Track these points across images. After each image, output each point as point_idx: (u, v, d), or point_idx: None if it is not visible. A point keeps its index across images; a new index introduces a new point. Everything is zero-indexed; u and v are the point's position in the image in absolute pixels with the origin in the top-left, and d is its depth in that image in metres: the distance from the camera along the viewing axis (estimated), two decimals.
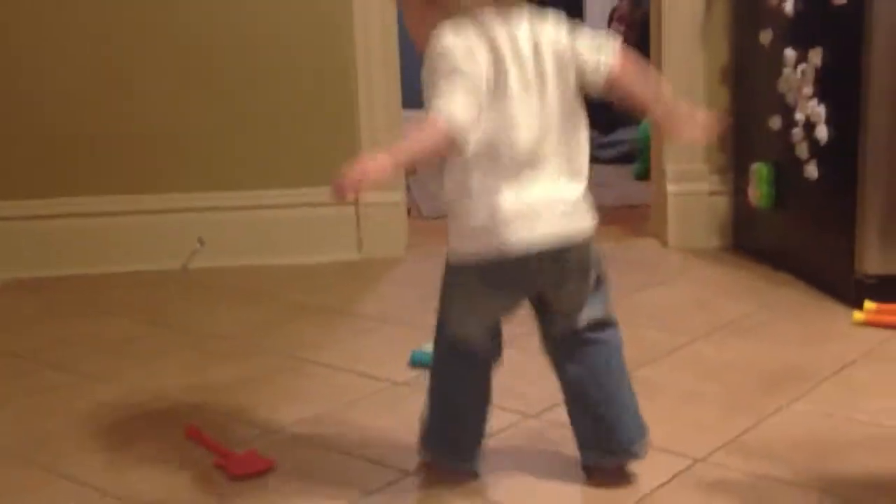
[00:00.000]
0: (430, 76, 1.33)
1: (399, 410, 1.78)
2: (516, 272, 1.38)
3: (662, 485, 1.46)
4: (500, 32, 1.35)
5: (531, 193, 1.35)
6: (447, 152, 1.32)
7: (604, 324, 1.47)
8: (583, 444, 1.49)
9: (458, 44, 1.32)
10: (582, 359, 1.46)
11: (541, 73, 1.37)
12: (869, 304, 2.17)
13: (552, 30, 1.40)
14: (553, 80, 1.38)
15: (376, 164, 1.27)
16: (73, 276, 2.84)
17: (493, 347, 1.49)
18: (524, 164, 1.35)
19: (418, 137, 1.30)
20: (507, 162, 1.34)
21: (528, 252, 1.35)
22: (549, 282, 1.41)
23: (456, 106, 1.28)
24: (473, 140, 1.31)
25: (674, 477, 1.48)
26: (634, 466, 1.49)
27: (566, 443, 1.59)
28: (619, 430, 1.46)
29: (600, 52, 1.40)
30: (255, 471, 1.54)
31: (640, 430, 1.47)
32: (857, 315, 2.16)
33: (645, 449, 1.47)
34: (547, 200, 1.36)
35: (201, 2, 2.85)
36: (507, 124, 1.34)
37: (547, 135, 1.36)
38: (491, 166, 1.34)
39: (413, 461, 1.54)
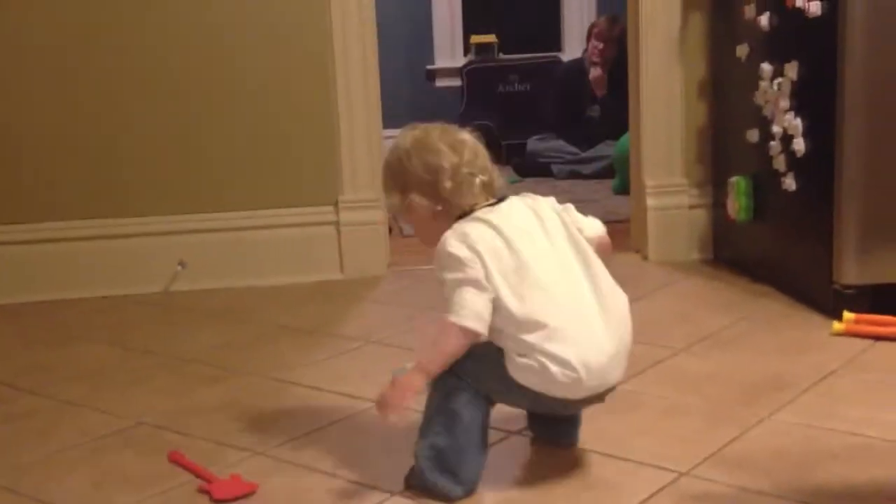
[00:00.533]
0: (441, 275, 1.48)
1: (383, 431, 1.77)
2: (558, 405, 1.50)
3: (647, 499, 1.47)
4: (499, 218, 1.50)
5: (569, 341, 1.44)
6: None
7: None
8: (532, 426, 1.70)
9: (462, 249, 1.46)
10: None
11: (550, 238, 1.51)
12: (847, 315, 2.19)
13: (543, 200, 1.57)
14: (563, 237, 1.52)
15: (413, 385, 1.44)
16: (53, 301, 2.83)
17: None
18: (569, 321, 1.45)
19: (442, 349, 1.45)
20: (553, 322, 1.44)
21: (575, 397, 1.48)
22: (590, 403, 1.54)
23: (466, 312, 1.42)
24: (517, 314, 1.43)
25: (658, 491, 1.49)
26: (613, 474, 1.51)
27: (552, 457, 1.60)
28: (569, 427, 1.67)
29: (591, 219, 1.61)
30: (239, 495, 1.53)
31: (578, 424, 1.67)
32: (836, 325, 2.18)
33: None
34: (596, 352, 1.46)
35: (182, 28, 2.85)
36: (541, 291, 1.45)
37: (578, 288, 1.49)
38: (540, 328, 1.43)
39: (398, 482, 1.54)
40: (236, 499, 1.52)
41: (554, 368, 1.42)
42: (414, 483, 1.53)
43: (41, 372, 2.21)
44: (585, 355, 1.44)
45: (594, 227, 1.60)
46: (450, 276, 1.46)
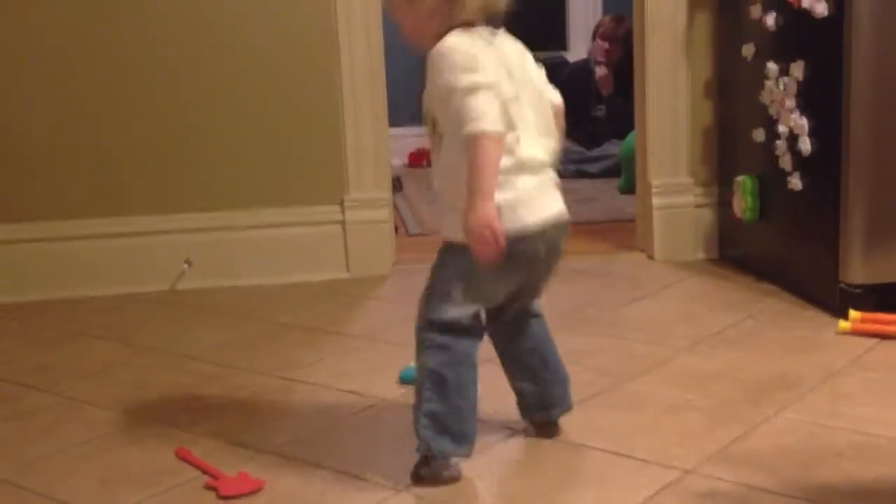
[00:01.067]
0: (448, 77, 1.43)
1: (389, 428, 1.78)
2: (529, 251, 1.50)
3: (652, 496, 1.47)
4: (496, 42, 1.52)
5: (536, 178, 1.50)
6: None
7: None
8: (529, 407, 1.68)
9: (472, 50, 1.45)
10: (530, 333, 1.65)
11: (524, 80, 1.53)
12: (853, 314, 2.19)
13: (524, 49, 1.58)
14: (532, 87, 1.55)
15: (488, 214, 1.40)
16: (59, 299, 2.83)
17: (481, 327, 1.57)
18: (527, 155, 1.49)
19: (479, 165, 1.41)
20: (515, 154, 1.47)
21: (542, 228, 1.50)
22: (551, 256, 1.54)
23: (486, 117, 1.40)
24: None
25: (663, 488, 1.49)
26: (619, 471, 1.52)
27: (556, 455, 1.60)
28: (559, 389, 1.68)
29: (552, 89, 1.62)
30: (246, 491, 1.53)
31: (567, 384, 1.69)
32: (842, 324, 2.18)
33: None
34: (547, 182, 1.53)
35: (187, 26, 2.85)
36: (512, 123, 1.47)
37: (537, 128, 1.52)
38: (516, 162, 1.47)
39: (405, 479, 1.55)
40: (243, 495, 1.53)
41: (514, 195, 1.46)
42: (421, 462, 1.54)
43: (47, 369, 2.22)
44: (539, 180, 1.51)
45: (556, 95, 1.62)
46: (462, 78, 1.42)
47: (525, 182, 1.48)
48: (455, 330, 1.52)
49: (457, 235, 1.47)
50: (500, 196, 1.44)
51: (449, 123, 1.47)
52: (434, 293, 1.53)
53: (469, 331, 1.53)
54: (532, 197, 1.49)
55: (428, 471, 1.54)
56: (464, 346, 1.53)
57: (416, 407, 1.53)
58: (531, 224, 1.48)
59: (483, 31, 1.50)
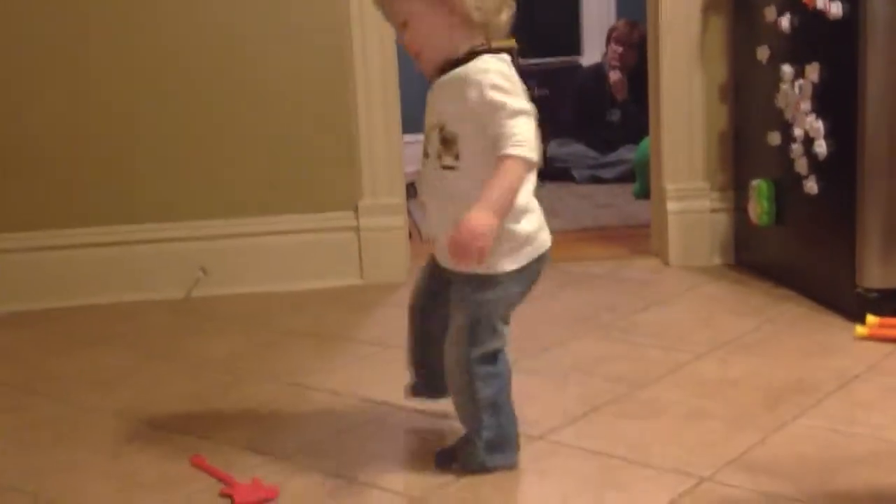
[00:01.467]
0: (492, 97, 1.42)
1: (402, 435, 1.78)
2: (541, 266, 1.55)
3: None
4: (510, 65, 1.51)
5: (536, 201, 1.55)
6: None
7: None
8: (437, 383, 1.66)
9: (512, 76, 1.46)
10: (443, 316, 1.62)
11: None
12: (871, 319, 2.17)
13: None
14: None
15: (483, 223, 1.40)
16: (72, 307, 2.84)
17: None
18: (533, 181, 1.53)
19: (508, 184, 1.42)
20: (532, 180, 1.51)
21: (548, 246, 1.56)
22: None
23: (529, 144, 1.42)
24: None
25: (680, 496, 1.48)
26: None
27: (572, 463, 1.59)
28: None
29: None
30: (261, 499, 1.53)
31: None
32: (860, 329, 2.16)
33: None
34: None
35: (200, 31, 2.86)
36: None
37: None
38: (527, 186, 1.50)
39: (418, 486, 1.54)
40: (258, 503, 1.52)
41: (536, 218, 1.53)
42: (468, 469, 1.57)
43: (61, 378, 2.22)
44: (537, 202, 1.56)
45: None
46: (509, 99, 1.42)
47: (536, 205, 1.54)
48: (499, 354, 1.56)
49: (495, 267, 1.49)
50: (528, 224, 1.51)
51: (478, 143, 1.46)
52: (479, 328, 1.52)
53: (504, 348, 1.57)
54: (542, 220, 1.55)
55: (458, 465, 1.59)
56: (505, 364, 1.58)
57: (475, 432, 1.56)
58: (548, 244, 1.56)
59: (506, 60, 1.50)
